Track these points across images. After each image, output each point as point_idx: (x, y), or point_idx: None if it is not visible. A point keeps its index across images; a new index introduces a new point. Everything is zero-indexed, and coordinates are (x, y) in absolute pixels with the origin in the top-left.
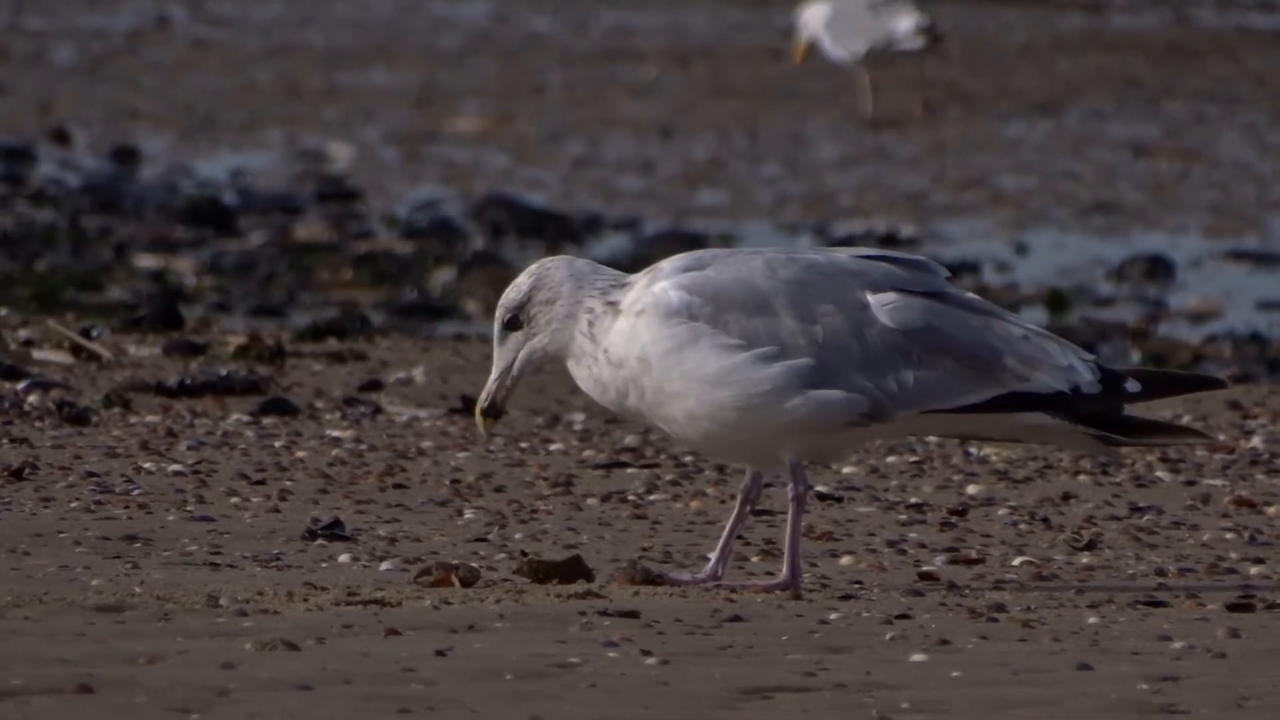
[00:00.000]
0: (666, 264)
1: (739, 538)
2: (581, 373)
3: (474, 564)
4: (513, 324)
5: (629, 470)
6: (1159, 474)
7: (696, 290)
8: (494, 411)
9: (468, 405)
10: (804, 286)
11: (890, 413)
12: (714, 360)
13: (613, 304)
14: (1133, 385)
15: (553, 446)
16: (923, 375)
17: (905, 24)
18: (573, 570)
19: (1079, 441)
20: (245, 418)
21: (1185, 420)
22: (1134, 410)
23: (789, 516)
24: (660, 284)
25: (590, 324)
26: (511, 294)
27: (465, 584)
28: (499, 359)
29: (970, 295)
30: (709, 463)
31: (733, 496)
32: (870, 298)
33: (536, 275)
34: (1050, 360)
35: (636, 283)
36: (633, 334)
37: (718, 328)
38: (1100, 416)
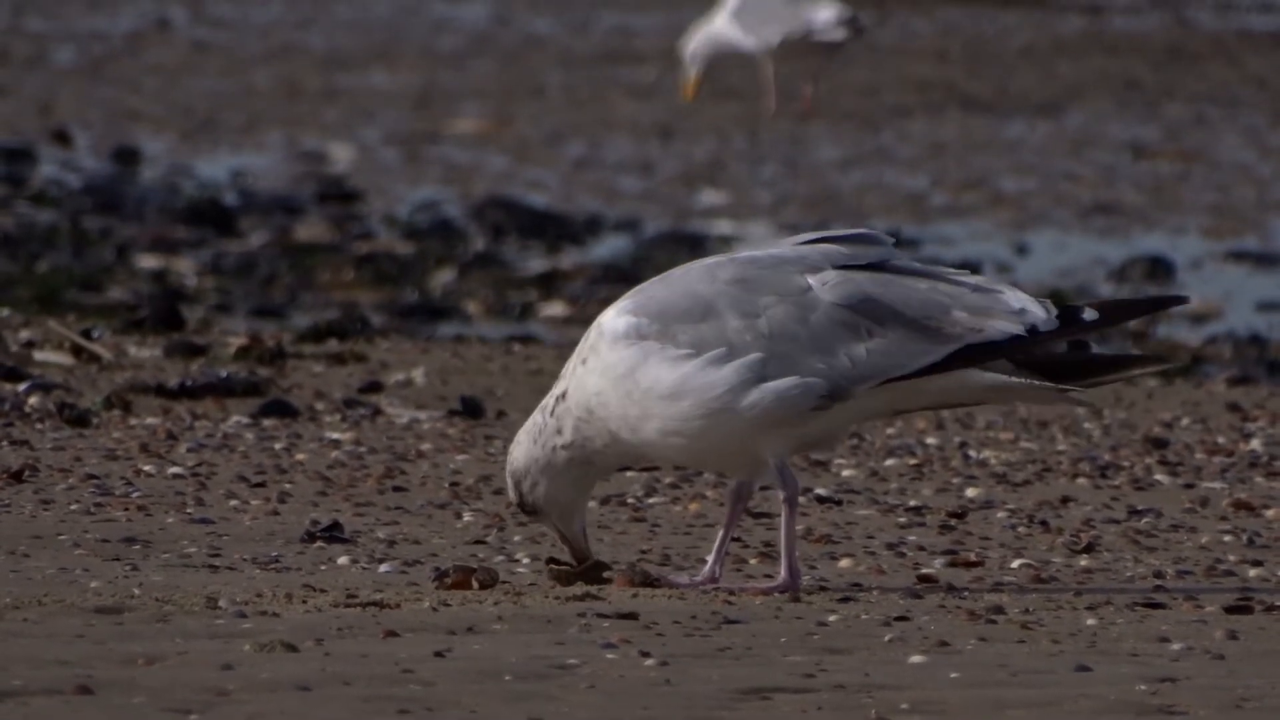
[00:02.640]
0: (604, 314)
1: (736, 539)
2: (596, 446)
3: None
4: (534, 512)
5: (628, 473)
6: (1158, 477)
7: (641, 311)
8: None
9: (467, 407)
10: (744, 283)
11: (849, 390)
12: (666, 374)
13: (558, 396)
14: (1090, 314)
15: None
16: (875, 346)
17: (826, 14)
18: (595, 575)
19: (1039, 395)
20: (245, 419)
21: (1185, 422)
22: (1088, 352)
23: (782, 519)
24: (606, 317)
25: (557, 434)
26: (513, 497)
27: (484, 586)
28: (554, 531)
29: (915, 262)
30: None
31: None
32: (811, 280)
33: (509, 473)
34: (1003, 306)
35: (570, 362)
36: (585, 380)
37: (666, 342)
38: (1056, 363)
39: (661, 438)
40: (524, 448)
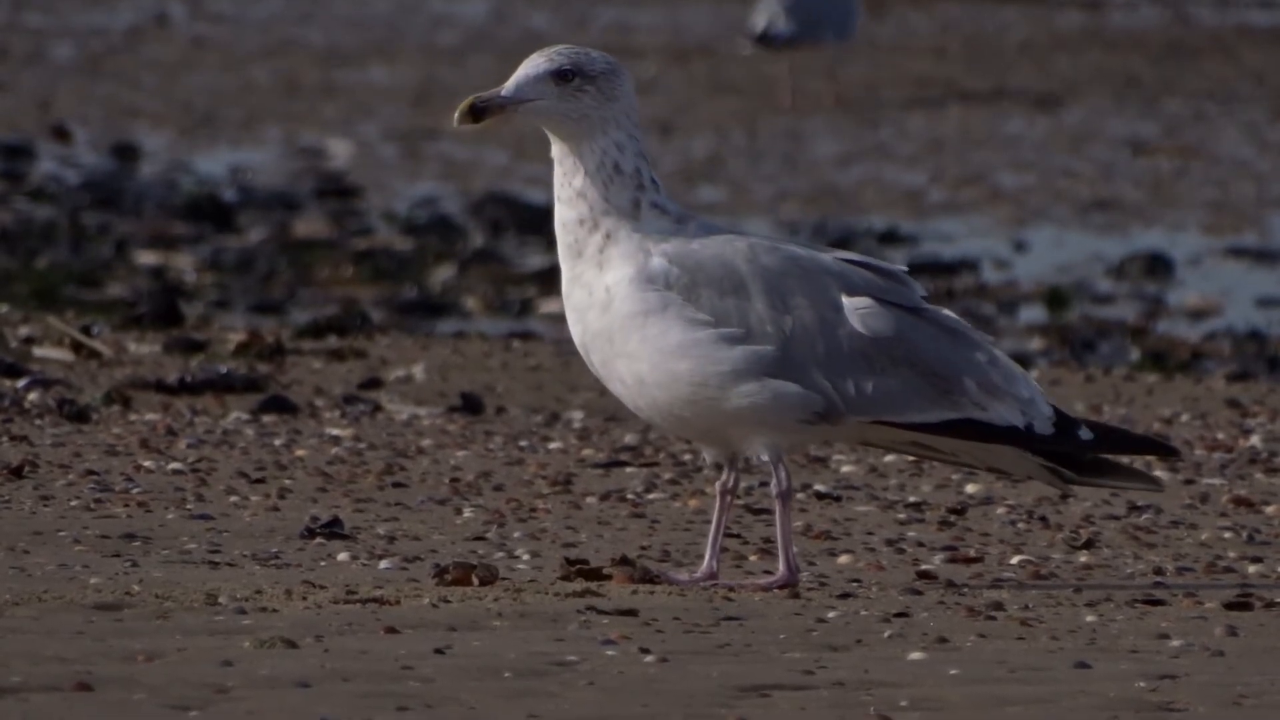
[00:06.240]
0: (695, 223)
1: (736, 536)
2: (566, 190)
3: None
4: (564, 77)
5: (628, 469)
6: (1157, 473)
7: (677, 261)
8: (479, 118)
9: (467, 403)
10: (782, 277)
11: (843, 416)
12: (677, 332)
13: (651, 204)
14: (1085, 433)
15: (552, 445)
16: (882, 384)
17: (760, 21)
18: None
19: (1031, 470)
20: (245, 416)
21: (1184, 418)
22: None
23: (776, 515)
24: (658, 248)
25: (614, 169)
26: (582, 58)
27: (484, 583)
28: (525, 88)
29: (946, 312)
30: (707, 461)
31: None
32: (845, 300)
33: (615, 66)
34: (1014, 392)
35: (670, 212)
36: (620, 262)
37: (689, 300)
38: (1059, 450)
39: (634, 381)
40: (628, 112)
